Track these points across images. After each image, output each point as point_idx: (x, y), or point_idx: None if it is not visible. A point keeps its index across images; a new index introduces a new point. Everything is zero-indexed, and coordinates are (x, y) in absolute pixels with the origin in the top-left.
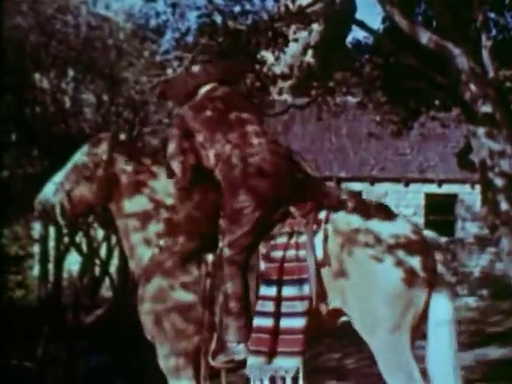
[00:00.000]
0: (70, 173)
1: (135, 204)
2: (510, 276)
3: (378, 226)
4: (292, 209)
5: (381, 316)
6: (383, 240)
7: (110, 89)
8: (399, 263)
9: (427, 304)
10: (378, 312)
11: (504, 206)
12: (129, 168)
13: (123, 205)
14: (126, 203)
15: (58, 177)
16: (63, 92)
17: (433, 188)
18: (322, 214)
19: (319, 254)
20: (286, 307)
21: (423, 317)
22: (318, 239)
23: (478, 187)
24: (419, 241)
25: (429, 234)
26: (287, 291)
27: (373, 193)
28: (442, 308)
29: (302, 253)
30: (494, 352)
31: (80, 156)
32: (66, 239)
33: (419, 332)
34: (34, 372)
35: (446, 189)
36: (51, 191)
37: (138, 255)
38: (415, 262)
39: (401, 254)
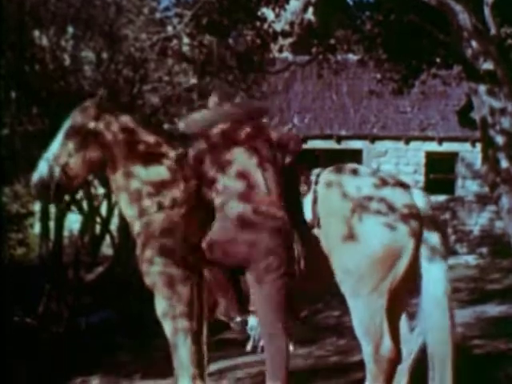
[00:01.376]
0: (64, 144)
1: (152, 173)
2: (510, 234)
3: (391, 195)
4: None
5: (364, 277)
6: (397, 209)
7: (109, 46)
8: (414, 233)
9: (409, 272)
10: (361, 273)
11: (504, 163)
12: (148, 138)
13: (137, 171)
14: (140, 170)
15: (50, 152)
16: (63, 49)
17: (433, 146)
18: (313, 176)
19: (308, 215)
20: None
21: (401, 284)
22: (308, 201)
23: (478, 145)
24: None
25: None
26: None
27: (373, 151)
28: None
29: None
30: (493, 309)
31: (72, 124)
32: (67, 197)
33: (400, 301)
34: (36, 329)
35: (447, 147)
36: (45, 170)
37: (149, 218)
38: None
39: (413, 223)
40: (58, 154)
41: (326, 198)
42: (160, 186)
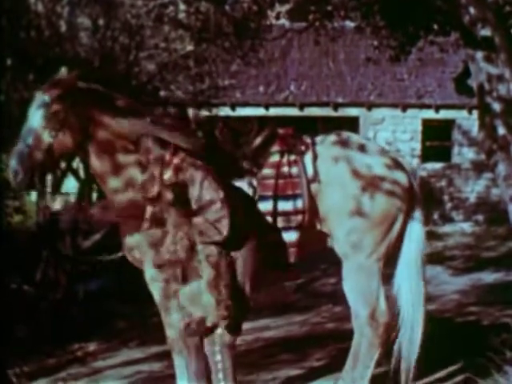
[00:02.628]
0: (44, 125)
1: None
2: (506, 201)
3: (402, 177)
4: (280, 130)
5: (363, 242)
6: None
7: (105, 13)
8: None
9: (401, 235)
10: (361, 238)
11: (501, 130)
12: (120, 102)
13: (109, 123)
14: (112, 122)
15: (27, 137)
16: (58, 16)
17: (430, 113)
18: (308, 139)
19: (309, 171)
20: (281, 222)
21: (395, 247)
22: (308, 158)
23: (475, 112)
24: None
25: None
26: (282, 206)
27: (370, 118)
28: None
29: (294, 170)
30: (488, 276)
31: (48, 105)
32: (63, 164)
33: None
34: (34, 296)
35: (444, 114)
36: (24, 158)
37: (127, 176)
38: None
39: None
40: (37, 137)
41: (333, 173)
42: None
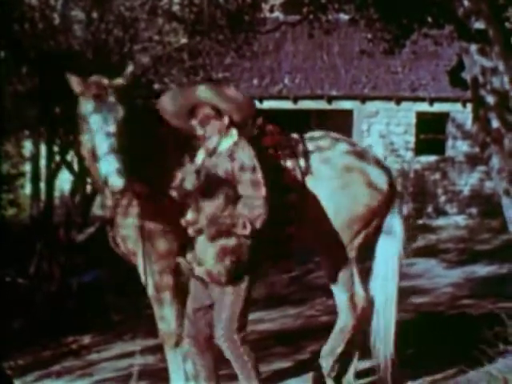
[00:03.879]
0: None
1: None
2: (499, 194)
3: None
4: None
5: (340, 234)
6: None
7: (99, 5)
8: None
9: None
10: (339, 231)
11: (495, 123)
12: None
13: None
14: None
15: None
16: (52, 8)
17: (424, 106)
18: (296, 135)
19: (302, 164)
20: None
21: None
22: (299, 152)
23: (469, 105)
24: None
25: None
26: None
27: (364, 111)
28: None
29: (288, 163)
30: (481, 269)
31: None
32: (58, 158)
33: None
34: (28, 288)
35: (438, 107)
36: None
37: None
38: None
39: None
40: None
41: (348, 184)
42: None
